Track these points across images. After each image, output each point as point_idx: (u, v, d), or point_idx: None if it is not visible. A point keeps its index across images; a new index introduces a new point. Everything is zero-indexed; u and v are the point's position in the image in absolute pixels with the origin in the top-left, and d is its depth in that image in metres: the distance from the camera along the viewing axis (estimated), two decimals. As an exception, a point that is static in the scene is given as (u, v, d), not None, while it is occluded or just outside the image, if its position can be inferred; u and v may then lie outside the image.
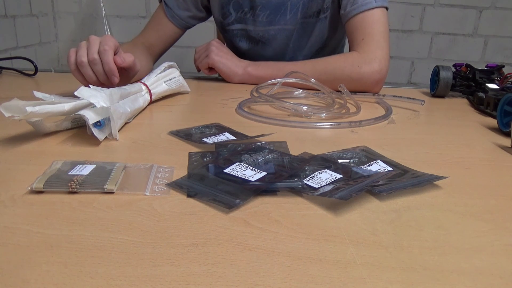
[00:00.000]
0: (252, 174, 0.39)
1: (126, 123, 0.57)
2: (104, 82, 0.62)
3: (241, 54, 0.92)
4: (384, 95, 0.79)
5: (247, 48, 1.00)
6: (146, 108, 0.65)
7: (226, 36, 1.03)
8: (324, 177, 0.39)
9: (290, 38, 0.96)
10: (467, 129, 0.63)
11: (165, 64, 0.73)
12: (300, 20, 0.93)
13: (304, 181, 0.39)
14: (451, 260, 0.29)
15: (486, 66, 0.85)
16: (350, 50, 0.87)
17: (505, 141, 0.57)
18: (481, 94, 0.76)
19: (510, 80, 0.78)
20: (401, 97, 0.78)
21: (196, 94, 0.79)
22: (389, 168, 0.43)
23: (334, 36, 1.00)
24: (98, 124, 0.48)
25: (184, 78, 0.77)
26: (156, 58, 0.99)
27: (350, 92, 0.75)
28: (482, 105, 0.74)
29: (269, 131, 0.55)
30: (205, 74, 0.91)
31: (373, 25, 0.82)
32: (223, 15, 0.97)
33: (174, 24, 0.97)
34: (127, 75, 0.68)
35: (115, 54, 0.63)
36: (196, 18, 1.00)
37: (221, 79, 0.91)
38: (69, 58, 0.62)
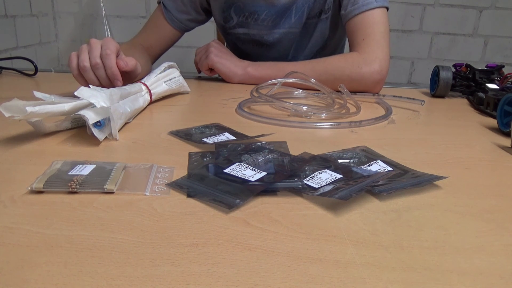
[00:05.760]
0: (252, 174, 0.39)
1: (126, 123, 0.57)
2: (107, 86, 0.62)
3: (244, 55, 0.92)
4: (384, 95, 0.79)
5: (250, 50, 1.00)
6: (146, 108, 0.65)
7: (228, 38, 1.03)
8: (324, 177, 0.39)
9: (294, 40, 0.96)
10: (467, 129, 0.63)
11: (165, 64, 0.73)
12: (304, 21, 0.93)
13: (304, 181, 0.39)
14: (451, 260, 0.29)
15: (486, 66, 0.85)
16: (350, 50, 0.87)
17: (505, 141, 0.57)
18: (481, 94, 0.76)
19: (510, 80, 0.78)
20: (401, 97, 0.78)
21: (196, 94, 0.79)
22: (389, 168, 0.43)
23: (335, 36, 1.00)
24: (98, 124, 0.48)
25: (184, 78, 0.77)
26: (155, 59, 0.99)
27: (350, 92, 0.75)
28: (482, 105, 0.74)
29: (269, 131, 0.55)
30: (207, 75, 0.91)
31: (374, 25, 0.82)
32: (224, 19, 0.97)
33: (173, 27, 0.96)
34: (129, 78, 0.68)
35: (116, 57, 0.63)
36: (196, 21, 0.99)
37: (221, 79, 0.91)
38: (71, 62, 0.62)
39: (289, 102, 0.65)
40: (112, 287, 0.25)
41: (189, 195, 0.36)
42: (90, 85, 0.52)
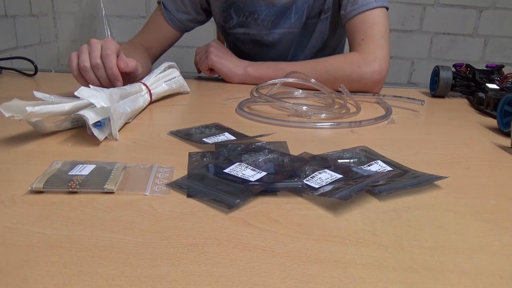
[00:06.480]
0: (252, 174, 0.39)
1: (126, 123, 0.57)
2: (107, 86, 0.62)
3: (244, 55, 0.92)
4: (384, 95, 0.79)
5: (250, 50, 1.00)
6: (146, 108, 0.65)
7: (228, 39, 1.03)
8: (324, 177, 0.39)
9: (294, 40, 0.96)
10: (467, 129, 0.63)
11: (165, 64, 0.73)
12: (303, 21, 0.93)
13: (304, 181, 0.39)
14: (451, 260, 0.29)
15: (486, 66, 0.85)
16: (350, 51, 0.87)
17: (505, 141, 0.57)
18: (481, 94, 0.76)
19: (510, 80, 0.78)
20: (401, 97, 0.78)
21: (196, 94, 0.79)
22: (389, 168, 0.43)
23: (334, 36, 1.00)
24: (98, 124, 0.48)
25: (184, 78, 0.77)
26: (155, 59, 0.99)
27: (350, 92, 0.75)
28: (482, 105, 0.74)
29: (269, 131, 0.55)
30: (207, 75, 0.91)
31: (374, 25, 0.82)
32: (224, 19, 0.97)
33: (173, 27, 0.96)
34: (129, 78, 0.68)
35: (117, 57, 0.63)
36: (196, 21, 0.99)
37: (221, 79, 0.92)
38: (71, 62, 0.62)
39: (289, 102, 0.65)
40: (112, 287, 0.25)
41: (189, 195, 0.36)
42: (90, 85, 0.51)
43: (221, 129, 0.55)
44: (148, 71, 0.83)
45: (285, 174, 0.39)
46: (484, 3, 1.95)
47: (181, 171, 0.41)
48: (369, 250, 0.30)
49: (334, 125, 0.60)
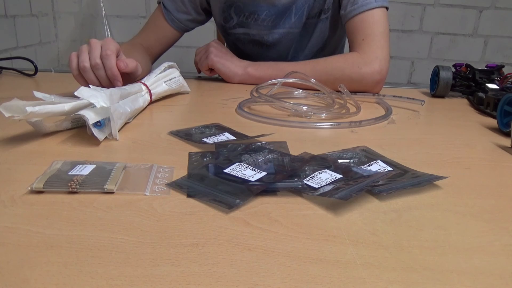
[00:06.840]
0: (252, 174, 0.39)
1: (126, 123, 0.57)
2: (107, 86, 0.62)
3: (244, 55, 0.92)
4: (384, 95, 0.79)
5: (250, 50, 1.00)
6: (146, 108, 0.65)
7: (228, 39, 1.03)
8: (324, 177, 0.39)
9: (294, 40, 0.96)
10: (467, 129, 0.63)
11: (165, 64, 0.73)
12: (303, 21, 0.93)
13: (304, 181, 0.39)
14: (451, 260, 0.29)
15: (486, 66, 0.85)
16: (350, 51, 0.87)
17: (505, 141, 0.57)
18: (481, 94, 0.76)
19: (510, 80, 0.78)
20: (401, 97, 0.78)
21: (196, 94, 0.79)
22: (389, 168, 0.43)
23: (334, 36, 1.00)
24: (98, 124, 0.48)
25: (184, 78, 0.77)
26: (155, 59, 0.99)
27: (350, 92, 0.75)
28: (482, 105, 0.74)
29: (269, 131, 0.55)
30: (207, 75, 0.91)
31: (373, 25, 0.82)
32: (224, 19, 0.97)
33: (173, 27, 0.96)
34: (129, 79, 0.68)
35: (116, 57, 0.63)
36: (196, 21, 0.99)
37: (221, 79, 0.91)
38: (71, 63, 0.62)
39: (289, 102, 0.65)
40: (112, 287, 0.25)
41: (189, 195, 0.36)
42: (90, 85, 0.51)
43: (221, 129, 0.55)
44: (148, 71, 0.83)
45: (285, 174, 0.39)
46: (484, 3, 1.95)
47: (181, 171, 0.41)
48: (369, 250, 0.30)
49: (334, 125, 0.60)
